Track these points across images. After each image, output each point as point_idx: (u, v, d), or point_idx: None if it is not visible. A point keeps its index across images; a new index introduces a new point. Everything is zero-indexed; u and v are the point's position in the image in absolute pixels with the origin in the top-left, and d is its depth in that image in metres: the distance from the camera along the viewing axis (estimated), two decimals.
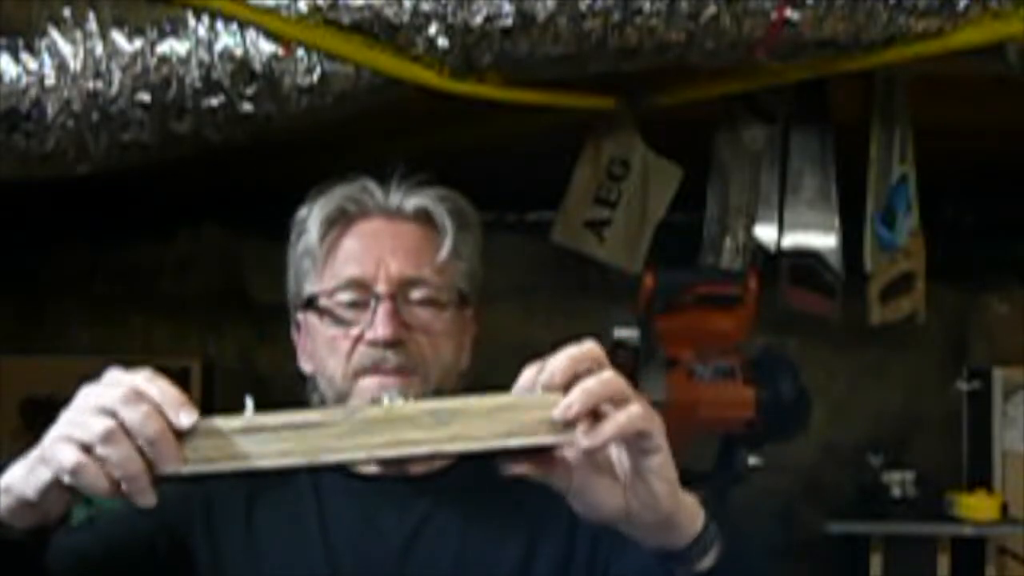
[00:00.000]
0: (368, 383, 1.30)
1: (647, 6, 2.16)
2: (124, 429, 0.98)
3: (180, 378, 3.87)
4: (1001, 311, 4.33)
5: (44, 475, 1.01)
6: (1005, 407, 3.98)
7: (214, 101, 2.16)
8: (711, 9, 2.18)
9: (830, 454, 4.20)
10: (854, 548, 3.80)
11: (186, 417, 0.99)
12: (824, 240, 2.98)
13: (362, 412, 1.02)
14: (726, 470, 2.71)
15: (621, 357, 2.53)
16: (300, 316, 1.39)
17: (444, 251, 1.33)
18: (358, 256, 1.33)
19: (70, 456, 0.99)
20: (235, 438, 1.00)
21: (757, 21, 2.21)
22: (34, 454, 1.04)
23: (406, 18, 2.14)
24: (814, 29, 2.23)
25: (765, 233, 2.99)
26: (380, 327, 1.29)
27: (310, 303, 1.35)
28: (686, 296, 2.67)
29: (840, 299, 3.00)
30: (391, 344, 1.29)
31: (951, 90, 2.85)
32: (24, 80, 2.12)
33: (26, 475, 1.03)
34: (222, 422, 1.01)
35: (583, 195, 3.03)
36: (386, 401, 1.04)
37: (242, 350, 4.26)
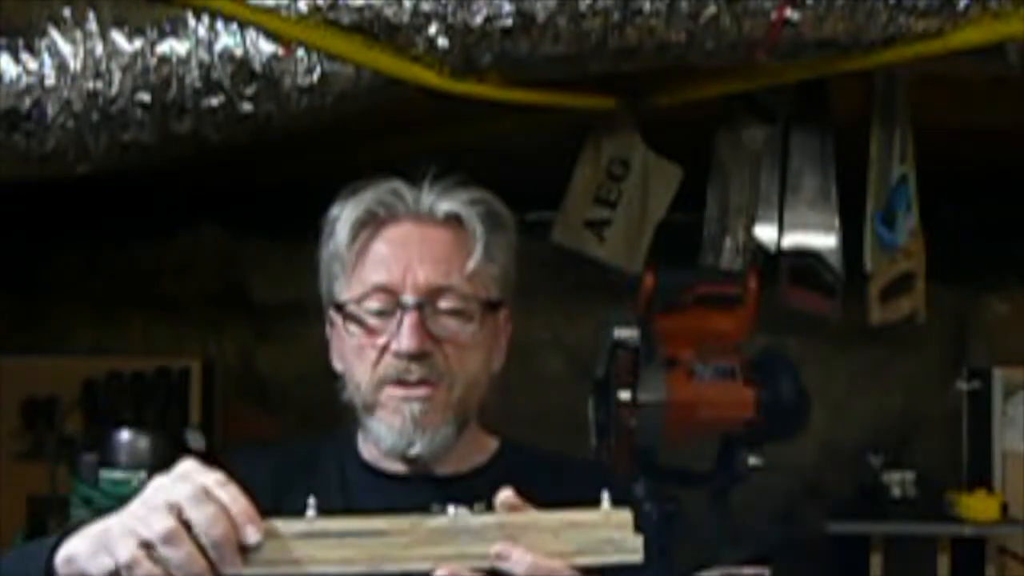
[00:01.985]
0: (393, 393, 1.30)
1: (647, 6, 2.16)
2: (188, 527, 0.99)
3: (180, 378, 3.91)
4: (1001, 311, 4.33)
5: (106, 563, 1.02)
6: (1005, 407, 3.98)
7: (214, 101, 2.16)
8: (711, 9, 2.18)
9: (830, 454, 4.20)
10: (854, 548, 3.80)
11: (254, 534, 0.99)
12: (824, 240, 2.98)
13: (428, 522, 1.01)
14: (726, 470, 2.71)
15: (621, 357, 2.53)
16: (331, 314, 1.38)
17: (474, 259, 1.31)
18: (386, 262, 1.32)
19: (127, 552, 0.99)
20: (297, 542, 0.99)
21: (757, 21, 2.21)
22: (98, 530, 1.04)
23: (406, 18, 2.14)
24: (814, 29, 2.23)
25: (765, 233, 2.99)
26: (405, 339, 1.28)
27: (338, 308, 1.34)
28: (686, 296, 2.67)
29: (840, 299, 3.00)
30: (416, 357, 1.28)
31: (951, 90, 2.84)
32: (24, 80, 2.12)
33: (90, 554, 1.04)
34: (284, 525, 1.00)
35: (583, 195, 3.03)
36: (450, 510, 1.01)
37: (242, 350, 4.26)
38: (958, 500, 3.71)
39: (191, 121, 2.17)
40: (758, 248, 2.98)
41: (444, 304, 1.31)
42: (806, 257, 2.98)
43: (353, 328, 1.32)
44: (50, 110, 2.12)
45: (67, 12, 2.13)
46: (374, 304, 1.31)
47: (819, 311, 3.04)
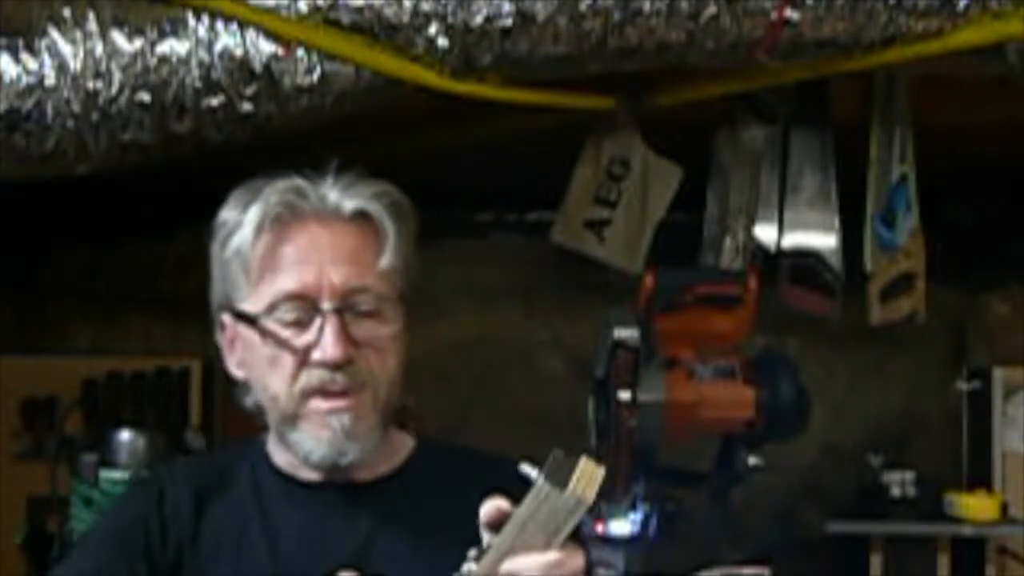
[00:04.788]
0: (319, 407, 1.25)
1: (647, 6, 2.16)
2: None
3: (180, 378, 3.90)
4: (1001, 311, 4.33)
5: None
6: (1005, 407, 3.98)
7: (214, 101, 2.16)
8: (711, 9, 2.18)
9: (830, 454, 4.20)
10: (854, 548, 3.80)
11: None
12: (824, 240, 2.98)
13: None
14: (726, 470, 2.71)
15: (621, 357, 2.53)
16: (227, 320, 1.30)
17: (387, 257, 1.26)
18: (297, 267, 1.25)
19: None
20: None
21: (757, 21, 2.21)
22: None
23: (406, 18, 2.14)
24: (814, 29, 2.23)
25: (765, 233, 2.99)
26: (330, 348, 1.22)
27: (246, 320, 1.27)
28: (686, 296, 2.67)
29: (840, 299, 3.00)
30: (341, 365, 1.23)
31: (951, 90, 2.85)
32: (24, 80, 2.12)
33: None
34: None
35: (583, 195, 3.03)
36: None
37: None
38: (958, 500, 3.71)
39: (191, 121, 2.17)
40: (758, 248, 2.98)
41: (362, 306, 1.25)
42: (806, 257, 2.98)
43: (266, 339, 1.26)
44: (50, 110, 2.12)
45: (67, 12, 2.13)
46: (288, 314, 1.25)
47: (819, 311, 3.04)
